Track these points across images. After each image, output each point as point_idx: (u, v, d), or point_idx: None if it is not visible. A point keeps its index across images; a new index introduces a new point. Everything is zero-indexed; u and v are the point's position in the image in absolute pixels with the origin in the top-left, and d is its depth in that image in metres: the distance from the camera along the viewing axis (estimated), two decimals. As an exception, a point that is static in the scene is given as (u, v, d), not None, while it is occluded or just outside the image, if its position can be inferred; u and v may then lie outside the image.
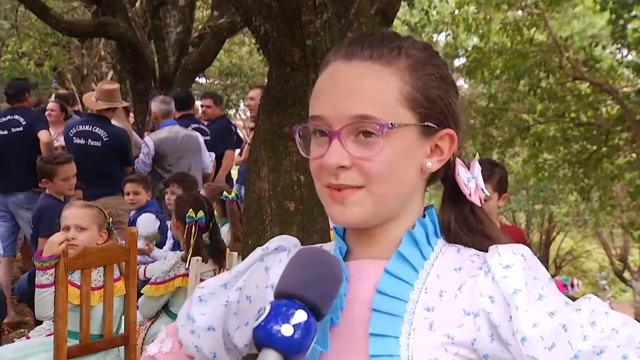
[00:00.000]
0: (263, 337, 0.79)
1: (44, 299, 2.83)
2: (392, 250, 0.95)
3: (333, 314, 0.93)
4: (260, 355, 0.79)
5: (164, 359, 1.11)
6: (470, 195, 0.97)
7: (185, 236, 3.47)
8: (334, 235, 1.02)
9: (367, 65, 0.92)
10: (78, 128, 5.31)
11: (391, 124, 0.89)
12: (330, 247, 1.03)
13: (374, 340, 0.89)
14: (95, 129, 5.29)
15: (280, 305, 0.80)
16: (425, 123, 0.93)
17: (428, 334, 0.89)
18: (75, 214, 3.09)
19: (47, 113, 6.57)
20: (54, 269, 2.75)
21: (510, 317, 0.86)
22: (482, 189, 0.99)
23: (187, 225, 3.47)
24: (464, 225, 0.98)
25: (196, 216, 3.48)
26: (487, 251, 0.93)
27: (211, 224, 3.58)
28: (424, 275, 0.93)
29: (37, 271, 2.82)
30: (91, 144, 5.26)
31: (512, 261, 0.89)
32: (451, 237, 0.98)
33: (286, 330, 0.78)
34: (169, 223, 4.96)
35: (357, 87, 0.91)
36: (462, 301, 0.90)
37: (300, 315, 0.79)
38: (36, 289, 2.85)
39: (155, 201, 5.11)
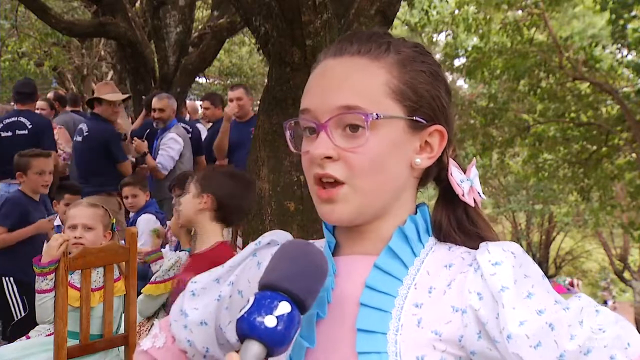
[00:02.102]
0: (246, 328, 0.78)
1: (44, 304, 2.81)
2: (382, 246, 0.94)
3: (319, 308, 0.93)
4: (242, 346, 0.78)
5: (157, 354, 1.11)
6: (463, 195, 0.97)
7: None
8: (323, 231, 1.01)
9: (355, 60, 0.93)
10: (76, 126, 5.47)
11: (377, 114, 0.89)
12: (322, 243, 1.03)
13: (362, 336, 0.89)
14: (82, 125, 5.39)
15: (264, 297, 0.80)
16: (414, 117, 0.93)
17: (416, 331, 0.88)
18: (83, 212, 3.09)
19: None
20: (53, 274, 2.75)
21: (498, 314, 0.86)
22: (479, 193, 0.99)
23: None
24: (456, 226, 0.97)
25: None
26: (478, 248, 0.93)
27: None
28: (414, 272, 0.93)
29: (36, 277, 2.80)
30: (77, 139, 5.37)
31: (501, 258, 0.88)
32: (442, 237, 0.98)
33: (269, 321, 0.78)
34: (168, 223, 4.96)
35: (344, 80, 0.92)
36: (451, 298, 0.89)
37: (284, 307, 0.79)
38: (36, 294, 2.83)
39: (155, 201, 5.11)
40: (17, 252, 4.06)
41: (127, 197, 4.82)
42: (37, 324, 3.13)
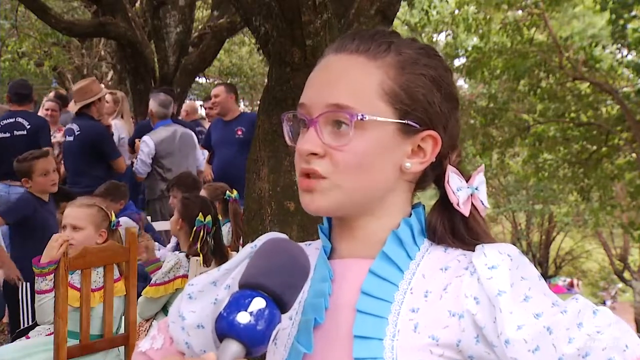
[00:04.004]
0: (221, 326, 0.77)
1: (44, 305, 2.81)
2: (377, 249, 0.94)
3: (317, 314, 0.92)
4: (221, 346, 0.77)
5: (155, 355, 1.10)
6: (458, 204, 0.95)
7: (192, 239, 3.47)
8: (319, 234, 1.01)
9: (353, 58, 0.93)
10: (66, 127, 5.45)
11: (362, 115, 0.89)
12: (317, 245, 1.03)
13: (358, 342, 0.88)
14: (72, 125, 5.36)
15: (240, 295, 0.79)
16: (406, 121, 0.92)
17: (413, 336, 0.88)
18: (72, 213, 3.07)
19: (48, 113, 6.57)
20: (53, 274, 2.74)
21: (495, 318, 0.85)
22: (482, 201, 0.97)
23: (195, 229, 3.46)
24: (451, 232, 0.96)
25: (204, 220, 3.48)
26: (474, 251, 0.92)
27: (214, 227, 3.58)
28: (410, 276, 0.92)
29: (36, 277, 2.79)
30: (67, 139, 5.34)
31: (497, 262, 0.88)
32: (436, 240, 0.97)
33: (243, 317, 0.76)
34: (158, 223, 4.98)
35: (339, 77, 0.92)
36: (448, 302, 0.89)
37: (258, 303, 0.78)
38: (36, 294, 2.82)
39: (132, 203, 5.10)
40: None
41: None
42: (38, 325, 3.13)
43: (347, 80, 0.92)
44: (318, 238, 1.05)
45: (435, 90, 0.94)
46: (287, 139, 0.98)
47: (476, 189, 0.97)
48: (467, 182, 0.97)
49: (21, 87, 5.65)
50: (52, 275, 2.75)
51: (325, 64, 0.96)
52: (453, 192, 0.96)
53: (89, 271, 2.82)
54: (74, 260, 2.74)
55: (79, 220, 3.04)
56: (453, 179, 0.96)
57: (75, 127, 5.35)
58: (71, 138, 5.35)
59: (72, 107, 5.47)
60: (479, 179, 0.98)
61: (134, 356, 1.13)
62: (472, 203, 0.97)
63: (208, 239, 3.51)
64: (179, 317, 1.08)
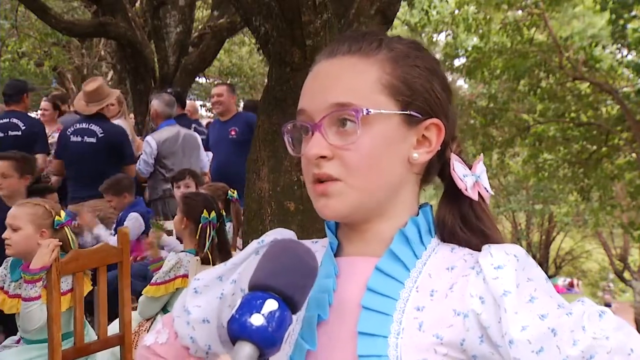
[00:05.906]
0: (235, 329, 0.77)
1: (30, 312, 2.72)
2: (383, 247, 0.94)
3: (321, 310, 0.92)
4: (234, 348, 0.77)
5: (160, 349, 1.11)
6: (466, 190, 0.96)
7: (198, 237, 3.47)
8: (326, 231, 1.01)
9: (346, 59, 0.94)
10: (76, 126, 5.25)
11: (367, 109, 0.89)
12: (324, 242, 1.03)
13: (363, 339, 0.88)
14: (91, 125, 5.23)
15: (251, 297, 0.79)
16: (408, 112, 0.92)
17: (417, 334, 0.88)
18: (11, 212, 2.98)
19: (40, 112, 6.57)
20: (42, 281, 2.68)
21: (500, 319, 0.85)
22: (486, 188, 0.98)
23: (201, 226, 3.46)
24: (461, 220, 0.97)
25: (209, 217, 3.48)
26: (481, 250, 0.92)
27: (219, 222, 3.58)
28: (416, 274, 0.92)
29: (25, 284, 2.72)
30: (87, 140, 5.19)
31: (503, 262, 0.88)
32: (446, 234, 0.97)
33: (256, 320, 0.77)
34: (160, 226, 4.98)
35: (337, 79, 0.92)
36: (453, 301, 0.88)
37: (271, 304, 0.78)
38: (22, 302, 2.74)
39: (141, 200, 5.10)
40: None
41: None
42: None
43: (345, 80, 0.92)
44: (318, 238, 1.05)
45: (432, 78, 0.95)
46: (289, 149, 0.98)
47: (478, 176, 0.98)
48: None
49: (7, 87, 5.63)
50: (41, 282, 2.69)
51: (319, 69, 0.96)
52: (460, 179, 0.96)
53: (81, 274, 2.77)
54: (67, 264, 2.69)
55: (17, 219, 2.93)
56: (458, 167, 0.97)
57: (96, 128, 5.18)
58: (92, 139, 5.16)
59: (84, 108, 5.27)
60: (480, 167, 0.98)
61: (139, 350, 1.14)
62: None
63: (214, 235, 3.50)
64: (184, 312, 1.08)
